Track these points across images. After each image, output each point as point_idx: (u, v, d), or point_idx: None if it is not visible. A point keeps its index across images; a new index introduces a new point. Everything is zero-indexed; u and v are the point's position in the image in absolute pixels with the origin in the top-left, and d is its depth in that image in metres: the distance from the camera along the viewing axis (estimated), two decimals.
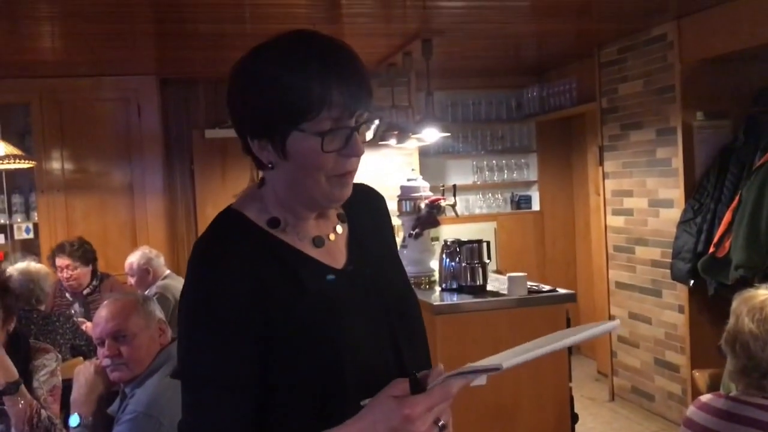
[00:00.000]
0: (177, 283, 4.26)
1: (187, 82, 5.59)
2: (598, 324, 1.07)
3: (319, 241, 1.16)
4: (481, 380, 0.99)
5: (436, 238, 4.51)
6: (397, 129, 4.81)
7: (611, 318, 5.23)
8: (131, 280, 4.26)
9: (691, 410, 1.75)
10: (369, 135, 1.13)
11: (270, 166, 1.11)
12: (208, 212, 5.60)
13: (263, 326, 1.06)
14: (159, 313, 2.20)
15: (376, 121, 1.12)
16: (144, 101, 5.22)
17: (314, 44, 1.09)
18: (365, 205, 1.27)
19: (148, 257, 4.25)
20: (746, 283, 3.72)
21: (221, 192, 5.64)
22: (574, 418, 4.03)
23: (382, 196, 1.33)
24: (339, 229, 1.20)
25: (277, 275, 1.09)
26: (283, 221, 1.14)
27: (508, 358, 0.97)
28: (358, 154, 1.10)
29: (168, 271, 4.36)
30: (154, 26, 4.05)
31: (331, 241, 1.18)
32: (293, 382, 1.07)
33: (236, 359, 1.05)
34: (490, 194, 6.36)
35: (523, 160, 6.43)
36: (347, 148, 1.08)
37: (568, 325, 3.91)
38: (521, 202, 6.43)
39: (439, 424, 0.99)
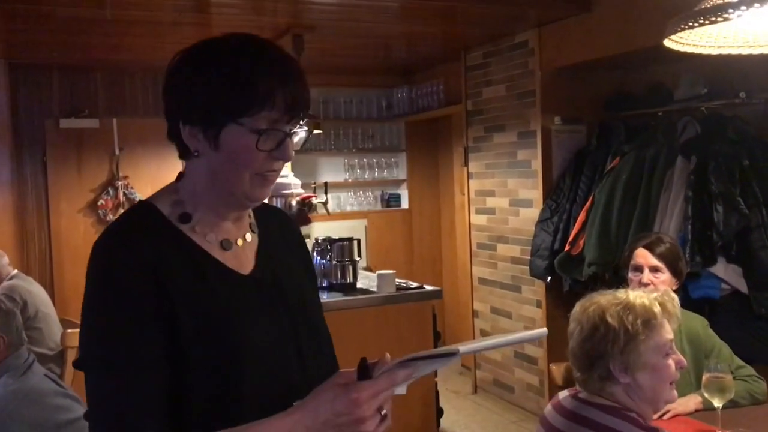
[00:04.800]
0: (25, 284, 3.96)
1: (40, 67, 5.21)
2: (530, 332, 1.16)
3: (226, 244, 1.16)
4: (402, 389, 1.03)
5: (308, 236, 4.47)
6: None
7: (474, 314, 5.42)
8: None
9: (547, 408, 1.81)
10: (297, 143, 1.15)
11: (196, 154, 1.12)
12: (62, 207, 5.27)
13: (168, 317, 1.05)
14: None
15: (303, 133, 1.16)
16: None
17: (266, 47, 1.12)
18: (276, 224, 1.30)
19: None
20: (598, 279, 3.97)
21: (76, 185, 5.32)
22: (440, 412, 4.14)
23: (294, 221, 1.40)
24: (249, 237, 1.21)
25: (183, 271, 1.09)
26: (194, 218, 1.14)
27: (465, 347, 1.00)
28: (288, 158, 1.13)
29: (14, 271, 4.04)
30: (0, 5, 3.73)
31: (239, 246, 1.18)
32: (193, 377, 1.05)
33: (141, 342, 1.03)
34: (361, 192, 6.40)
35: (392, 159, 6.52)
36: (279, 150, 1.11)
37: (434, 321, 4.01)
38: (391, 201, 6.52)
39: (382, 412, 1.00)
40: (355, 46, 5.08)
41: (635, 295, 1.74)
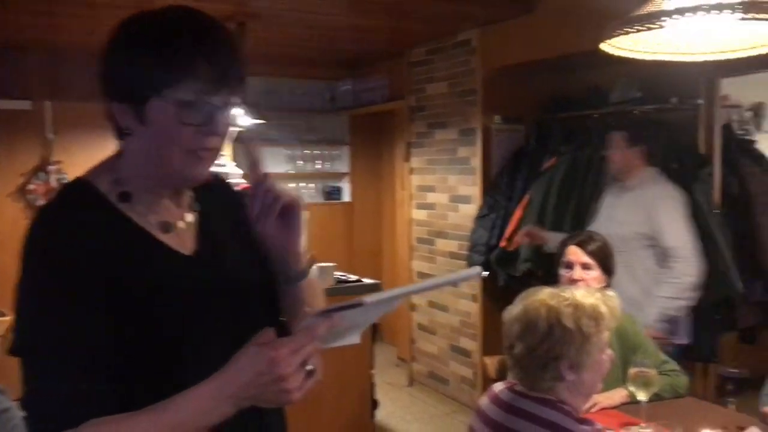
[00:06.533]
0: None
1: None
2: (461, 272, 1.15)
3: (166, 227, 1.13)
4: (356, 339, 1.02)
5: None
6: None
7: (412, 307, 5.46)
8: None
9: (483, 401, 1.84)
10: (233, 119, 1.10)
11: (127, 131, 1.08)
12: None
13: (111, 299, 1.02)
14: None
15: (240, 111, 1.11)
16: None
17: (191, 16, 1.08)
18: (218, 198, 1.25)
19: None
20: (532, 274, 4.06)
21: (5, 168, 5.12)
22: (375, 404, 4.17)
23: (232, 186, 1.34)
24: (189, 217, 1.18)
25: (124, 252, 1.06)
26: (134, 197, 1.11)
27: (371, 297, 1.00)
28: (219, 134, 1.08)
29: None
30: None
31: (180, 228, 1.16)
32: (135, 359, 1.03)
33: (82, 329, 1.00)
34: (302, 184, 6.37)
35: (335, 152, 6.51)
36: (208, 125, 1.06)
37: None
38: (332, 193, 6.52)
39: (307, 368, 0.98)
40: (301, 36, 5.04)
41: (581, 295, 1.76)
